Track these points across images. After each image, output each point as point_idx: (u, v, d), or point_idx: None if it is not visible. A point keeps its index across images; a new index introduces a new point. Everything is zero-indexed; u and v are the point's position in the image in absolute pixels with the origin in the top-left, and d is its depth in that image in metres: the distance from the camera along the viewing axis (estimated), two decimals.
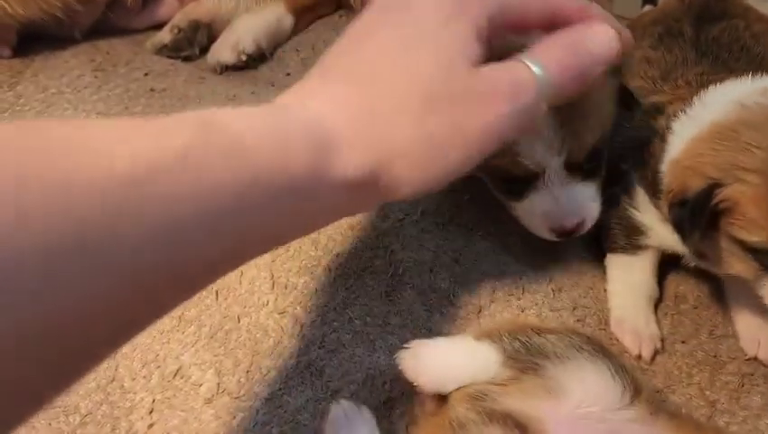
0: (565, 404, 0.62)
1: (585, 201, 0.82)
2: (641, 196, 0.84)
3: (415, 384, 0.70)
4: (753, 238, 0.68)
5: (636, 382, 0.65)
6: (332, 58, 0.57)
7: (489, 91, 0.54)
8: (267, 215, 0.45)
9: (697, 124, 0.75)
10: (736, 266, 0.73)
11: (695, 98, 0.79)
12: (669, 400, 0.78)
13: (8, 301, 0.32)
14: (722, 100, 0.75)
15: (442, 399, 0.70)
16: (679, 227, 0.73)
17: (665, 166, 0.77)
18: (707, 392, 0.79)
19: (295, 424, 0.76)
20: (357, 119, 0.51)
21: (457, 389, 0.68)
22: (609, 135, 0.82)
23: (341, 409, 0.73)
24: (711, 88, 0.79)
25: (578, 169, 0.80)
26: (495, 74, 0.55)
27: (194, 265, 0.42)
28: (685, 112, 0.79)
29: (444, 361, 0.71)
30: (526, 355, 0.66)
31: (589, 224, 0.83)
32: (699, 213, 0.69)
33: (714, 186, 0.69)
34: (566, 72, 0.57)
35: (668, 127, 0.80)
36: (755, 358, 0.81)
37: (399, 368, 0.73)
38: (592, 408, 0.62)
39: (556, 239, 0.84)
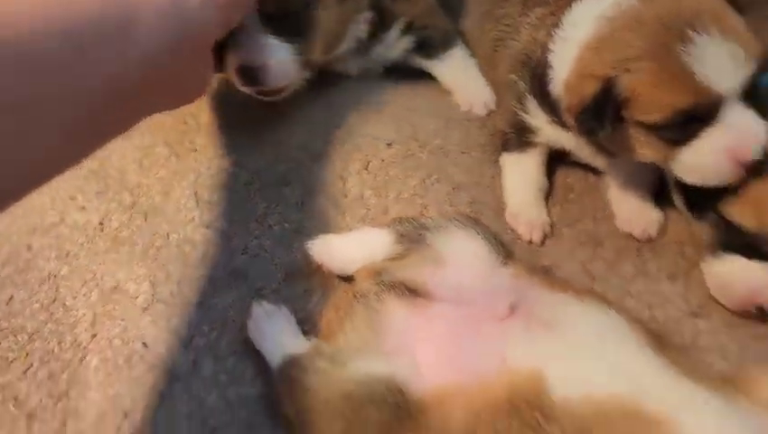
0: (446, 268, 0.72)
1: (270, 48, 0.90)
2: (530, 102, 0.93)
3: (324, 267, 0.81)
4: (655, 116, 0.76)
5: (506, 246, 0.75)
6: None
7: None
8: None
9: (574, 43, 0.83)
10: (647, 152, 0.81)
11: (563, 18, 0.87)
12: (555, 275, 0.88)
13: None
14: (588, 17, 0.83)
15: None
16: (589, 131, 0.80)
17: (559, 89, 0.84)
18: (588, 267, 0.90)
19: (224, 321, 0.84)
20: None
21: (361, 269, 0.77)
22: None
23: (261, 309, 0.81)
24: (574, 6, 0.87)
25: (273, 24, 0.89)
26: None
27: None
28: (557, 34, 0.86)
29: (347, 244, 0.82)
30: (412, 230, 0.75)
31: (275, 76, 0.92)
32: (603, 109, 0.77)
33: (609, 83, 0.76)
34: None
35: (548, 45, 0.87)
36: (630, 234, 0.92)
37: (314, 262, 0.83)
38: (467, 269, 0.72)
39: (256, 95, 0.94)
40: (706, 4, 0.76)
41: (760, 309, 0.81)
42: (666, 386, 0.64)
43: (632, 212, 0.93)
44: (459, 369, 0.66)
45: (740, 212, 0.80)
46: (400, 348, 0.69)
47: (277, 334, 0.77)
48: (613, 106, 0.77)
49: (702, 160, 0.76)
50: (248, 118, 1.03)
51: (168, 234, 0.92)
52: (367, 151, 0.99)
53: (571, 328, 0.69)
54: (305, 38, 0.93)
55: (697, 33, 0.73)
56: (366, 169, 0.97)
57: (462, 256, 0.73)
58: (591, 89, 0.77)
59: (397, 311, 0.71)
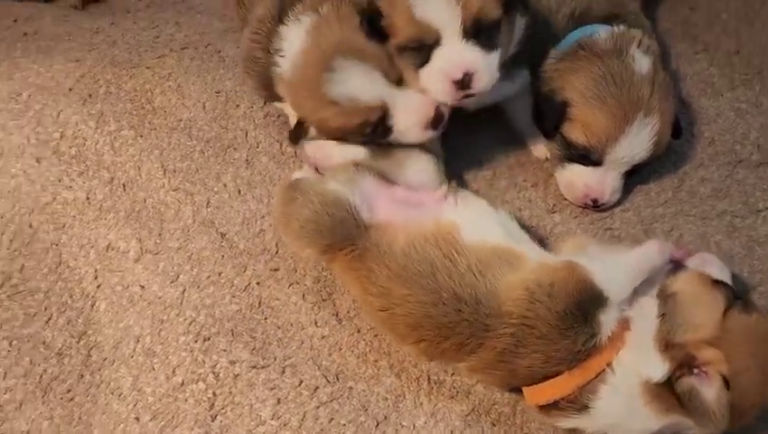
0: (407, 170, 1.06)
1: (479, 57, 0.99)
2: None
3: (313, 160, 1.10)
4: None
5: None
6: None
7: None
8: None
9: None
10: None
11: None
12: None
13: None
14: None
15: None
16: None
17: None
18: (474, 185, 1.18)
19: (200, 260, 1.09)
20: None
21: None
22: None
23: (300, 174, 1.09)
24: None
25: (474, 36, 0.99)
26: None
27: None
28: None
29: (334, 145, 1.08)
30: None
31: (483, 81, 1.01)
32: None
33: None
34: None
35: None
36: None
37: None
38: (423, 175, 1.07)
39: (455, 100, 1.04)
40: None
41: (594, 201, 1.12)
42: (523, 240, 0.99)
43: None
44: (404, 216, 0.99)
45: (572, 132, 1.09)
46: (363, 198, 0.99)
47: None
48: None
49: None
50: (197, 97, 1.26)
51: (145, 199, 1.16)
52: None
53: (479, 209, 1.02)
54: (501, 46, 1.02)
55: None
56: None
57: (420, 168, 1.06)
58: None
59: (368, 177, 1.03)
